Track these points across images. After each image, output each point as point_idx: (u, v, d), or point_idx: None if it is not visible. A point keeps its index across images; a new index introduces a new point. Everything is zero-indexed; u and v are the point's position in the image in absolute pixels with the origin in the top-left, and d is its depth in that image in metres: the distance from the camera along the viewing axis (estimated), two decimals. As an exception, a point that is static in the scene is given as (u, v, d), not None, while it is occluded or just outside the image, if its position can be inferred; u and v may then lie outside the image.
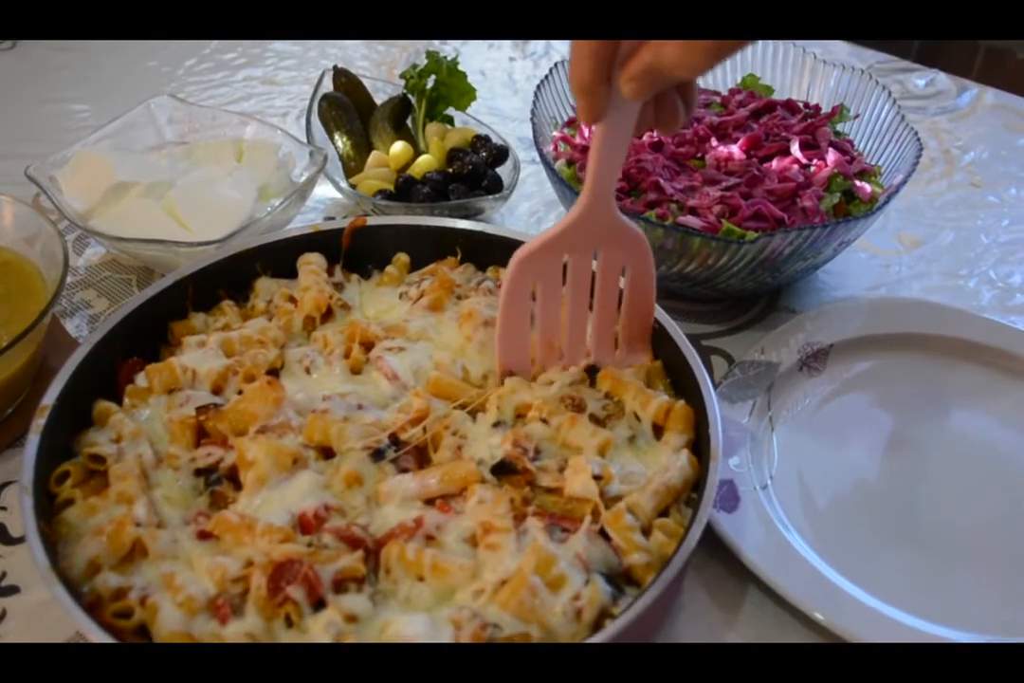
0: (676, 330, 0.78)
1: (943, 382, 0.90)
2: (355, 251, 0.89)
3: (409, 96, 1.16)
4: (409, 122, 1.17)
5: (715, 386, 0.86)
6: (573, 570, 0.63)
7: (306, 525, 0.66)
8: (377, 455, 0.70)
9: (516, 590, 0.61)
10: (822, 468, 0.83)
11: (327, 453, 0.72)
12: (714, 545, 0.75)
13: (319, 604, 0.61)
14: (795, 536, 0.76)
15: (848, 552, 0.76)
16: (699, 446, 0.72)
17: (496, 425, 0.73)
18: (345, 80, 1.19)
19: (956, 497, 0.81)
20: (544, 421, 0.73)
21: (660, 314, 0.78)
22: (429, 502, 0.69)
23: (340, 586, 0.63)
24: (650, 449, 0.73)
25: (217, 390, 0.76)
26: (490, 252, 0.88)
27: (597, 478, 0.68)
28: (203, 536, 0.66)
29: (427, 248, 0.89)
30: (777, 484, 0.81)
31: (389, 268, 0.89)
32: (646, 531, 0.67)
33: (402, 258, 0.89)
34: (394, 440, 0.71)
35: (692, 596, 0.75)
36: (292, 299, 0.85)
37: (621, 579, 0.65)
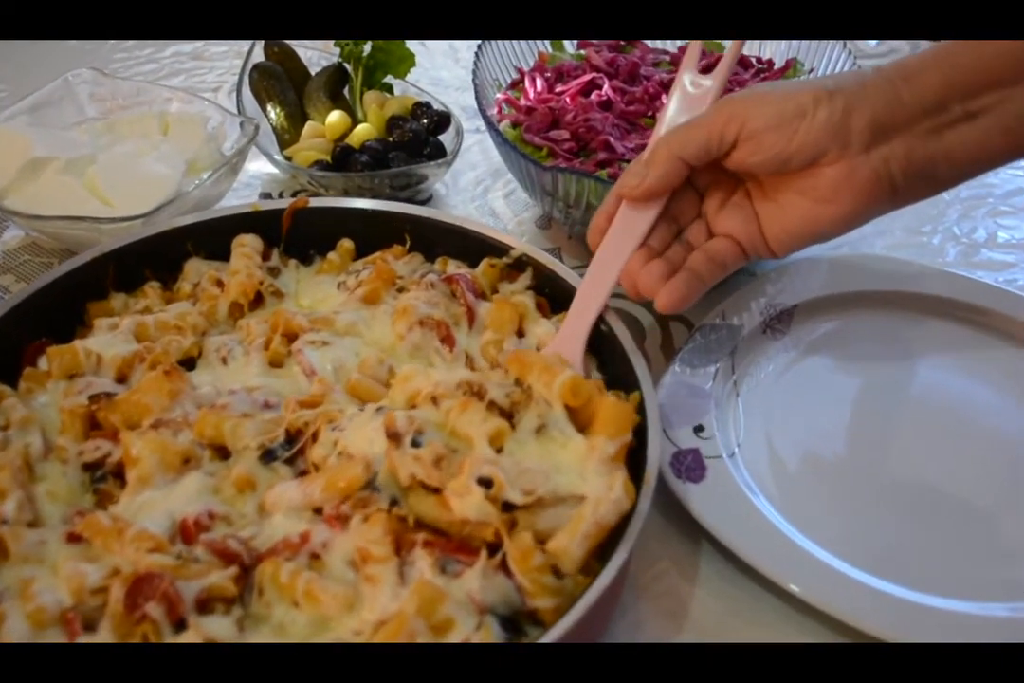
0: (622, 330, 0.71)
1: (910, 339, 0.87)
2: (296, 234, 0.82)
3: (345, 65, 1.10)
4: (346, 92, 1.11)
5: (676, 352, 0.82)
6: (463, 612, 0.54)
7: (186, 533, 0.59)
8: (267, 456, 0.63)
9: (394, 635, 0.53)
10: (791, 432, 0.79)
11: (225, 454, 0.65)
12: (681, 517, 0.71)
13: (182, 624, 0.55)
14: (766, 505, 0.72)
15: (822, 519, 0.72)
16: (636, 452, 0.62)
17: (379, 410, 0.63)
18: (277, 50, 1.13)
19: (929, 456, 0.78)
20: (434, 402, 0.63)
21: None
22: (321, 511, 0.61)
23: (206, 606, 0.56)
24: (567, 441, 0.63)
25: (122, 378, 0.70)
26: (440, 240, 0.81)
27: (485, 483, 0.57)
28: (73, 539, 0.59)
29: (374, 234, 0.82)
30: (744, 451, 0.76)
31: (331, 255, 0.82)
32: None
33: (345, 244, 0.82)
34: (290, 439, 0.64)
35: (659, 572, 0.71)
36: (220, 283, 0.78)
37: (526, 619, 0.57)
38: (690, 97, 0.73)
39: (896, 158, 0.65)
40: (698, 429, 0.76)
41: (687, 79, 0.74)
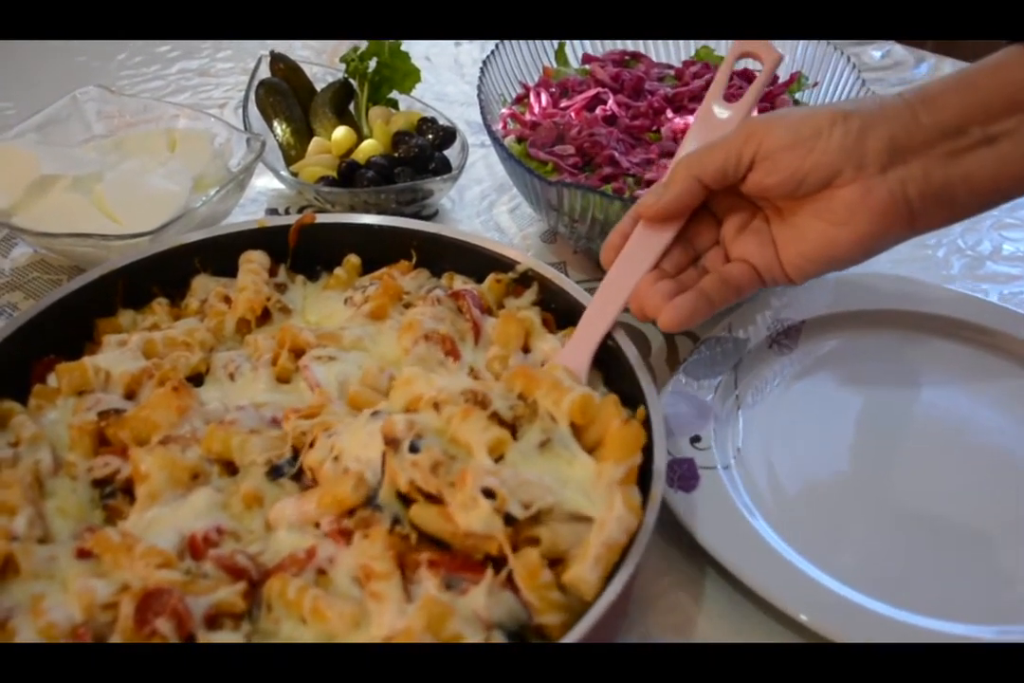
0: (628, 345, 0.71)
1: (916, 358, 0.86)
2: (303, 250, 0.83)
3: (351, 80, 1.11)
4: (352, 107, 1.12)
5: (680, 363, 0.81)
6: (470, 628, 0.54)
7: (195, 549, 0.59)
8: (275, 472, 0.63)
9: None
10: (790, 448, 0.78)
11: (234, 469, 0.65)
12: (671, 527, 0.71)
13: (191, 639, 0.55)
14: (758, 518, 0.71)
15: (814, 535, 0.71)
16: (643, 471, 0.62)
17: (375, 414, 0.63)
18: (283, 66, 1.13)
19: (932, 478, 0.77)
20: (436, 408, 0.63)
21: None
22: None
23: (215, 621, 0.56)
24: (572, 459, 0.62)
25: (131, 394, 0.70)
26: (447, 256, 0.81)
27: (488, 495, 0.57)
28: (83, 555, 0.59)
29: (380, 250, 0.83)
30: (742, 464, 0.76)
31: (338, 270, 0.82)
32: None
33: (352, 260, 0.83)
34: (296, 455, 0.64)
35: (665, 586, 0.71)
36: (227, 299, 0.78)
37: (533, 633, 0.56)
38: (713, 125, 0.73)
39: (913, 180, 0.64)
40: (695, 440, 0.76)
41: (712, 108, 0.74)
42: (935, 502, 0.75)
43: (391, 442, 0.60)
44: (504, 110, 1.00)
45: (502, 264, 0.79)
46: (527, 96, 1.01)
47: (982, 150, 0.64)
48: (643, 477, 0.62)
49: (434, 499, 0.59)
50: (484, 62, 0.99)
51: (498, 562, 0.57)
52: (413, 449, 0.59)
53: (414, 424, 0.61)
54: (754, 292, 0.72)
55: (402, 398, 0.65)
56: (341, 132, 1.05)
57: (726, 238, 0.72)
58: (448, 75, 1.31)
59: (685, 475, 0.73)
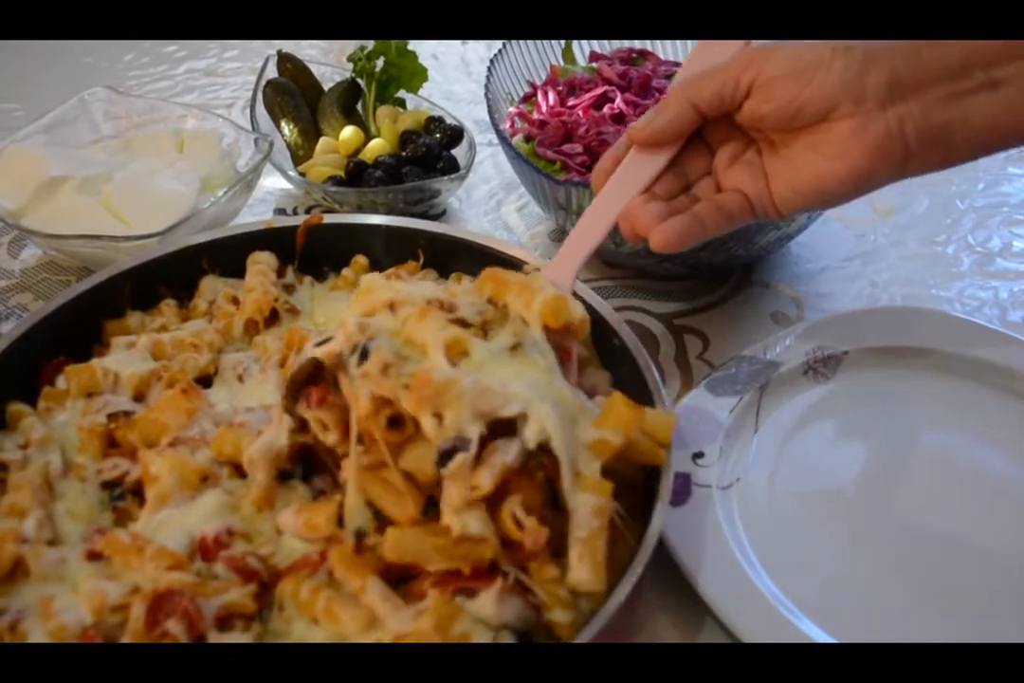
0: (634, 342, 0.71)
1: (963, 407, 0.80)
2: (310, 251, 0.83)
3: (358, 80, 1.11)
4: (359, 107, 1.12)
5: (704, 377, 0.79)
6: (479, 627, 0.55)
7: (205, 550, 0.59)
8: (284, 475, 0.63)
9: None
10: (803, 481, 0.75)
11: (243, 471, 0.64)
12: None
13: (201, 640, 0.55)
14: (744, 544, 0.69)
15: (802, 574, 0.68)
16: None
17: (322, 344, 0.59)
18: (290, 66, 1.14)
19: (950, 545, 0.71)
20: (391, 310, 0.59)
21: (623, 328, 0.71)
22: None
23: (226, 622, 0.56)
24: (552, 371, 0.59)
25: (139, 396, 0.70)
26: (455, 255, 0.81)
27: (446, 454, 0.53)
28: (93, 556, 0.60)
29: (388, 250, 0.83)
30: (743, 487, 0.73)
31: (345, 271, 0.83)
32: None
33: (360, 261, 0.83)
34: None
35: (675, 583, 0.70)
36: (235, 300, 0.79)
37: (541, 632, 0.57)
38: (710, 54, 0.71)
39: (912, 119, 0.63)
40: (697, 455, 0.74)
41: (710, 40, 0.73)
42: (949, 572, 0.69)
43: (335, 366, 0.57)
44: (511, 109, 1.00)
45: (510, 264, 0.79)
46: (534, 95, 1.01)
47: (984, 94, 0.63)
48: (649, 481, 0.62)
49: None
50: (491, 61, 0.99)
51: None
52: (364, 356, 0.56)
53: (366, 327, 0.57)
54: (745, 223, 0.70)
55: (360, 307, 0.61)
56: (349, 132, 1.05)
57: (718, 168, 0.70)
58: (455, 74, 1.31)
59: (677, 490, 0.70)
